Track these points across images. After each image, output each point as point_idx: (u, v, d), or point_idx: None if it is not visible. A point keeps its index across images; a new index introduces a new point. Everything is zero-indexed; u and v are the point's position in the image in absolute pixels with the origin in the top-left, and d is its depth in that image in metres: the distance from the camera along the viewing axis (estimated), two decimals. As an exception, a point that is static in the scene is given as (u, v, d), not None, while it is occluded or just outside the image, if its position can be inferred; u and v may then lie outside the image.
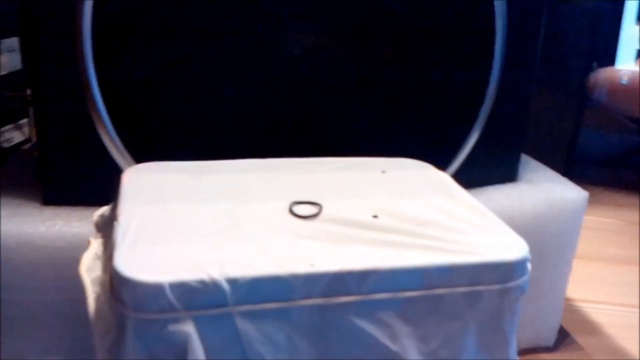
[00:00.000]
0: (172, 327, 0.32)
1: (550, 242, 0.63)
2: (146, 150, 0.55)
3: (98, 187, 0.49)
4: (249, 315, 0.33)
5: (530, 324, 0.67)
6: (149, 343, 0.32)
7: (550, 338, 0.68)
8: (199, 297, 0.32)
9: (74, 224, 0.53)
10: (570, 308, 0.78)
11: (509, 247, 0.38)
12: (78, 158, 0.56)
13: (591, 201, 1.10)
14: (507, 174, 0.65)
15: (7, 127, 0.90)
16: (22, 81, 0.77)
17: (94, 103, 0.54)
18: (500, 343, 0.38)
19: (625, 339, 0.72)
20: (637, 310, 0.78)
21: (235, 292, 0.33)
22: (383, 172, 0.48)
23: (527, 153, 0.87)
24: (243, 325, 0.33)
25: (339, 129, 0.60)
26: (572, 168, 1.06)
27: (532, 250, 0.62)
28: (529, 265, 0.38)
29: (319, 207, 0.41)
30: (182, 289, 0.32)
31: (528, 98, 0.64)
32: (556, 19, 0.97)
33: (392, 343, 0.35)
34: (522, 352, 0.68)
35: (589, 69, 1.00)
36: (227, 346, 0.33)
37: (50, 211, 0.57)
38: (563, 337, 0.71)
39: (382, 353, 0.34)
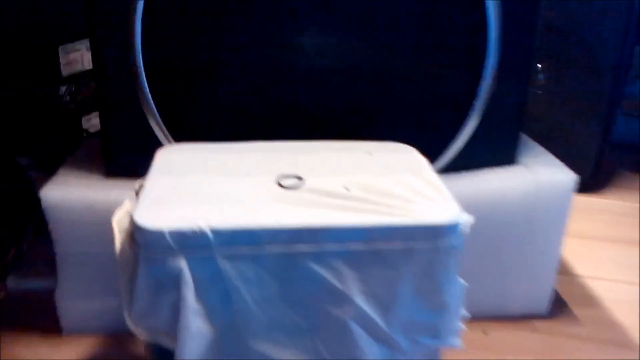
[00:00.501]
0: (170, 263, 0.43)
1: (540, 220, 0.69)
2: (186, 134, 0.68)
3: (147, 164, 0.62)
4: (228, 257, 0.44)
5: (524, 293, 0.74)
6: (154, 274, 0.44)
7: (544, 307, 0.75)
8: (190, 242, 0.43)
9: (126, 192, 0.66)
10: (575, 283, 0.83)
11: (443, 213, 0.46)
12: (132, 141, 0.69)
13: (623, 186, 1.13)
14: (506, 158, 0.72)
15: (92, 114, 1.05)
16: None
17: (145, 96, 0.67)
18: (435, 291, 0.46)
19: (621, 312, 0.77)
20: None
21: (217, 239, 0.43)
22: (370, 153, 0.58)
23: (559, 136, 0.93)
24: (223, 264, 0.44)
25: (350, 117, 0.69)
26: (607, 153, 1.09)
27: (522, 226, 0.70)
28: (462, 229, 0.46)
29: (301, 180, 0.51)
30: (178, 235, 0.43)
31: (526, 87, 0.70)
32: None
33: (340, 284, 0.44)
34: (517, 317, 0.75)
35: (624, 51, 1.01)
36: (210, 280, 0.44)
37: (110, 182, 0.70)
38: (560, 308, 0.77)
39: (331, 291, 0.44)
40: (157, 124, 0.67)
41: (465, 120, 0.68)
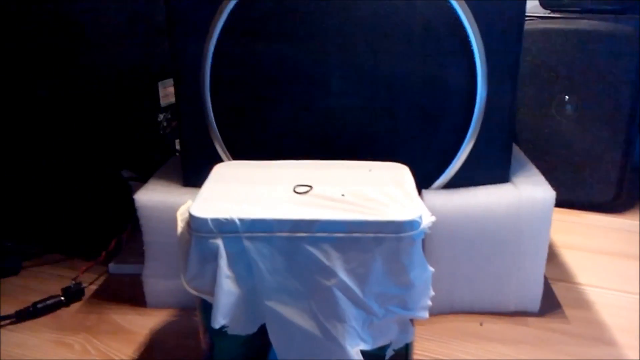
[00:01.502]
0: (211, 241, 0.62)
1: (524, 231, 0.81)
2: (242, 154, 0.86)
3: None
4: (250, 239, 0.61)
5: (516, 293, 0.86)
6: (201, 249, 0.62)
7: (534, 305, 0.86)
8: (225, 227, 0.62)
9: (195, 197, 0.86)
10: (573, 289, 0.94)
11: (406, 213, 0.62)
12: (202, 160, 0.84)
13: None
14: (499, 176, 0.85)
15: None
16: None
17: (212, 127, 0.86)
18: (401, 270, 0.62)
19: (608, 315, 0.86)
20: (634, 295, 0.92)
21: (243, 226, 0.61)
22: (370, 170, 0.75)
23: (586, 161, 1.05)
24: (247, 243, 0.62)
25: (368, 144, 0.84)
26: (629, 177, 1.17)
27: (510, 236, 0.83)
28: (421, 225, 0.62)
29: (311, 187, 0.69)
30: (217, 222, 0.62)
31: (513, 117, 0.83)
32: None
33: (327, 261, 0.61)
34: (511, 313, 0.87)
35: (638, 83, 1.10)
36: (238, 254, 0.62)
37: (185, 190, 0.87)
38: (554, 308, 0.88)
39: (321, 266, 0.61)
40: (221, 147, 0.87)
41: (461, 146, 0.83)
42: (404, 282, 0.63)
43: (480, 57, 0.79)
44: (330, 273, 0.61)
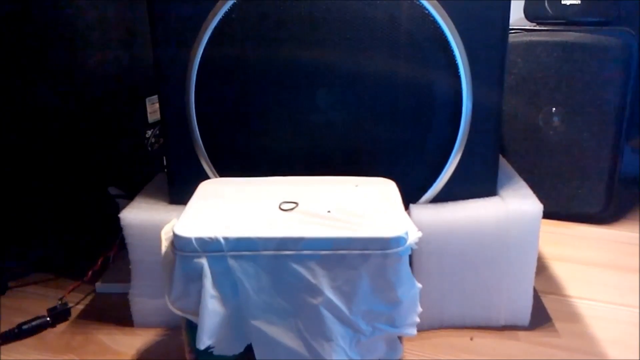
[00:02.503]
0: (196, 261, 0.61)
1: (512, 244, 0.81)
2: (228, 171, 0.85)
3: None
4: (235, 257, 0.61)
5: (506, 307, 0.85)
6: (185, 269, 0.62)
7: (524, 319, 0.86)
8: (209, 246, 0.61)
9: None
10: (564, 302, 0.93)
11: (393, 229, 0.61)
12: (188, 177, 0.84)
13: (634, 218, 1.21)
14: (486, 190, 0.85)
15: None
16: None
17: (198, 144, 0.85)
18: (388, 287, 0.61)
19: (599, 328, 0.86)
20: (625, 307, 0.92)
21: (227, 244, 0.61)
22: (356, 186, 0.74)
23: (573, 172, 1.05)
24: (231, 262, 0.61)
25: (358, 161, 0.83)
26: (617, 187, 1.17)
27: (498, 249, 0.83)
28: (408, 241, 0.62)
29: (296, 204, 0.68)
30: (201, 241, 0.61)
31: (499, 131, 0.83)
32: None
33: (313, 279, 0.60)
34: (501, 328, 0.86)
35: (625, 93, 1.11)
36: (223, 273, 0.61)
37: (172, 207, 0.86)
38: (544, 322, 0.88)
39: (307, 284, 0.60)
40: (207, 163, 0.87)
41: (447, 160, 0.83)
42: (391, 299, 0.62)
43: (464, 69, 0.79)
44: (316, 291, 0.61)
